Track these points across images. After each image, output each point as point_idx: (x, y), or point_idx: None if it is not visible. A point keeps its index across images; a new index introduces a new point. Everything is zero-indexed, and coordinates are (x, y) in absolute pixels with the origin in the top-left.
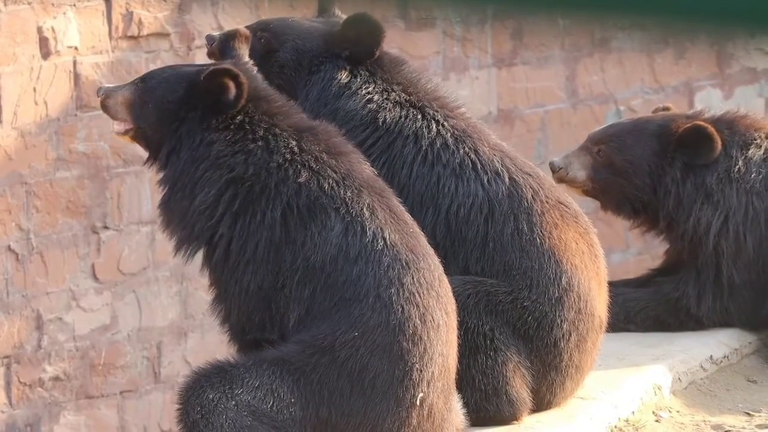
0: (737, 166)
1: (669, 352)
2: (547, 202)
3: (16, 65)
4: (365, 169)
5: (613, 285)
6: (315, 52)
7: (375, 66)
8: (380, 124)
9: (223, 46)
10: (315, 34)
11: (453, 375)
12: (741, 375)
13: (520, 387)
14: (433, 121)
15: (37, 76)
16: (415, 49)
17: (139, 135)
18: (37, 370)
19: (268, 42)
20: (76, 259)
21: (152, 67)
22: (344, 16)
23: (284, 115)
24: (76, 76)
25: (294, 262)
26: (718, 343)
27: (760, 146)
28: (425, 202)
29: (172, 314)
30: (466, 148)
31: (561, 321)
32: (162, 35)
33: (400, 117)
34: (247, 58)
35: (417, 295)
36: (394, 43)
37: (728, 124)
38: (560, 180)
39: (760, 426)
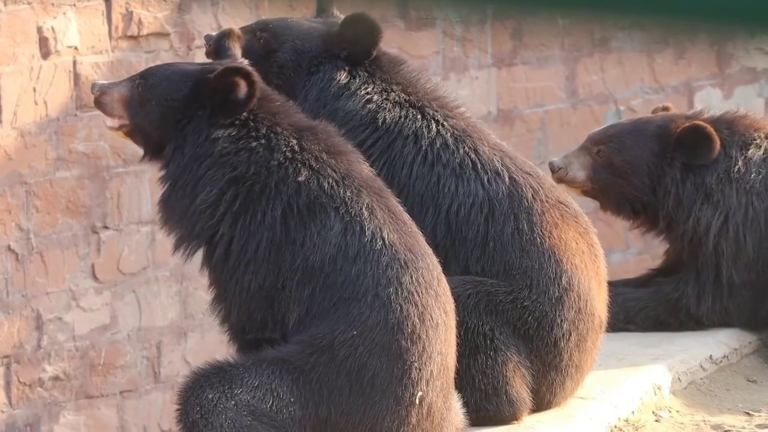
0: (737, 166)
1: (669, 352)
2: (547, 201)
3: (16, 65)
4: (364, 168)
5: (613, 285)
6: (314, 52)
7: (374, 66)
8: (380, 124)
9: (217, 45)
10: (314, 35)
11: (452, 374)
12: (741, 375)
13: (520, 387)
14: (432, 121)
15: (37, 75)
16: (414, 49)
17: (134, 131)
18: (37, 369)
19: (267, 42)
20: (75, 259)
21: None
22: (343, 17)
23: (285, 114)
24: (76, 76)
25: (294, 263)
26: (717, 343)
27: (760, 146)
28: (425, 202)
29: (172, 314)
30: (466, 148)
31: (561, 321)
32: (162, 35)
33: (400, 117)
34: (240, 57)
35: (416, 294)
36: (394, 43)
37: (728, 124)
38: (560, 180)
39: (759, 426)
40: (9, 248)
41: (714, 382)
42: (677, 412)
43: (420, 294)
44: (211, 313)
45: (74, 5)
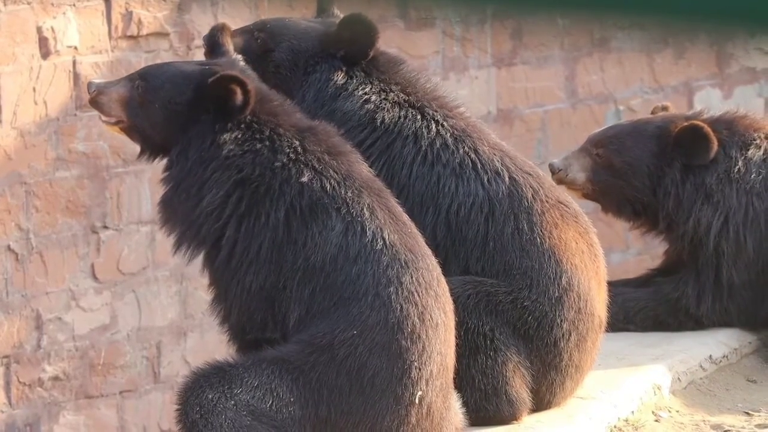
0: (737, 167)
1: (668, 352)
2: (547, 201)
3: (15, 65)
4: (364, 169)
5: (612, 285)
6: (310, 52)
7: (371, 66)
8: (378, 124)
9: (210, 42)
10: (311, 35)
11: (451, 374)
12: (740, 375)
13: (519, 387)
14: (432, 121)
15: (37, 75)
16: (414, 48)
17: (131, 129)
18: (37, 369)
19: (264, 42)
20: (75, 259)
21: None
22: (342, 16)
23: (285, 114)
24: (76, 76)
25: (295, 263)
26: (717, 343)
27: (760, 147)
28: (425, 202)
29: (172, 314)
30: (466, 148)
31: (561, 321)
32: (161, 35)
33: (399, 117)
34: (234, 54)
35: (415, 294)
36: (394, 42)
37: (727, 125)
38: (560, 182)
39: (759, 426)
40: (9, 248)
41: (714, 382)
42: (677, 412)
43: (420, 294)
44: (211, 314)
45: (74, 5)
